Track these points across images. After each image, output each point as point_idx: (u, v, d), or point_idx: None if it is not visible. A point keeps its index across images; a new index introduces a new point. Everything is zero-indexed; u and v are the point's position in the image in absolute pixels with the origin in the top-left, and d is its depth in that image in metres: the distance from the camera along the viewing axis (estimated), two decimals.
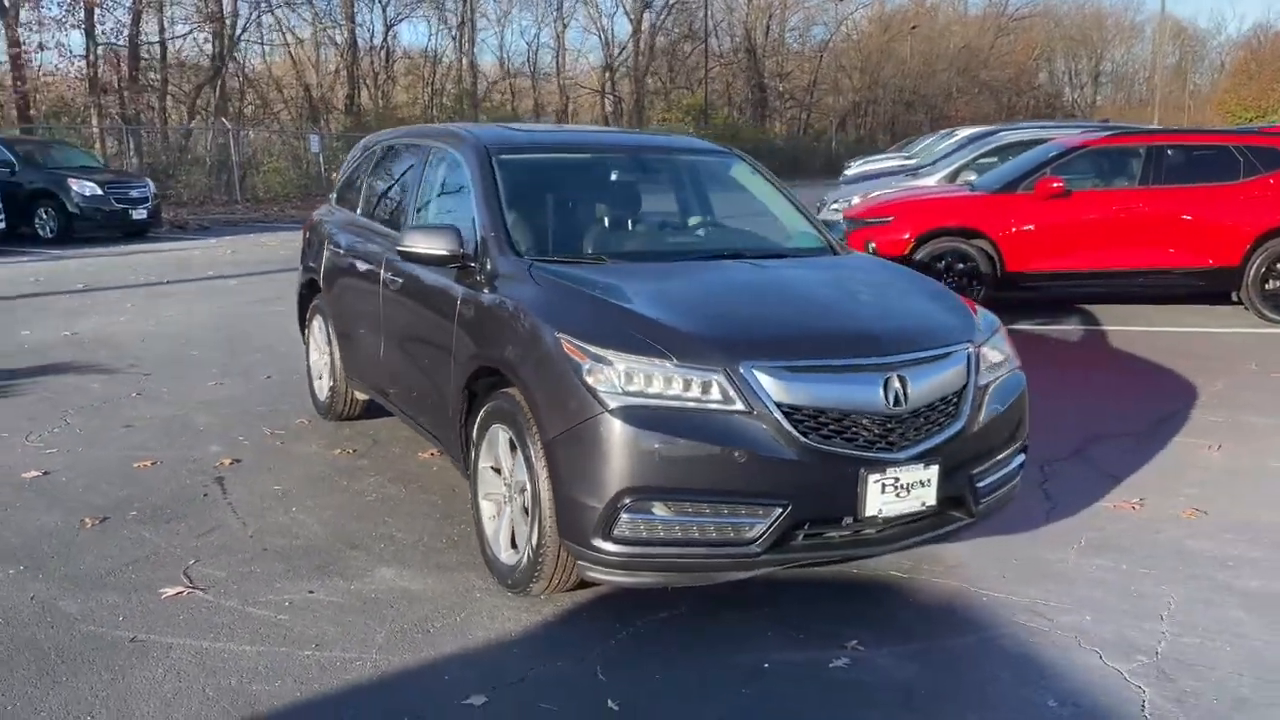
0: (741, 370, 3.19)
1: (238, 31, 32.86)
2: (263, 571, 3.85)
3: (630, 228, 4.66)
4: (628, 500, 3.15)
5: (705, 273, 4.11)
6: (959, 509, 3.55)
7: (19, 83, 25.47)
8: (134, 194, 17.14)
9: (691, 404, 3.17)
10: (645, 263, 4.18)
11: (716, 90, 51.57)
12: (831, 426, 3.23)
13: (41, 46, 26.29)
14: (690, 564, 3.25)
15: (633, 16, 48.35)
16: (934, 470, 3.34)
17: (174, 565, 3.89)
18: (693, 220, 4.84)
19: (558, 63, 48.20)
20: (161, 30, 31.28)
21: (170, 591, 3.66)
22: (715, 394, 3.18)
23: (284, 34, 36.44)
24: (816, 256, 4.54)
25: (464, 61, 42.09)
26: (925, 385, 3.39)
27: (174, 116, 31.55)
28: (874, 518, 3.29)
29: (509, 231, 4.09)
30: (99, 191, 16.52)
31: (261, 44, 35.50)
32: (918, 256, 9.63)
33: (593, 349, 3.27)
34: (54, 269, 13.24)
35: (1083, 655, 3.31)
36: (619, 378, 3.19)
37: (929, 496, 3.36)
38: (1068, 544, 4.20)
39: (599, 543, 3.20)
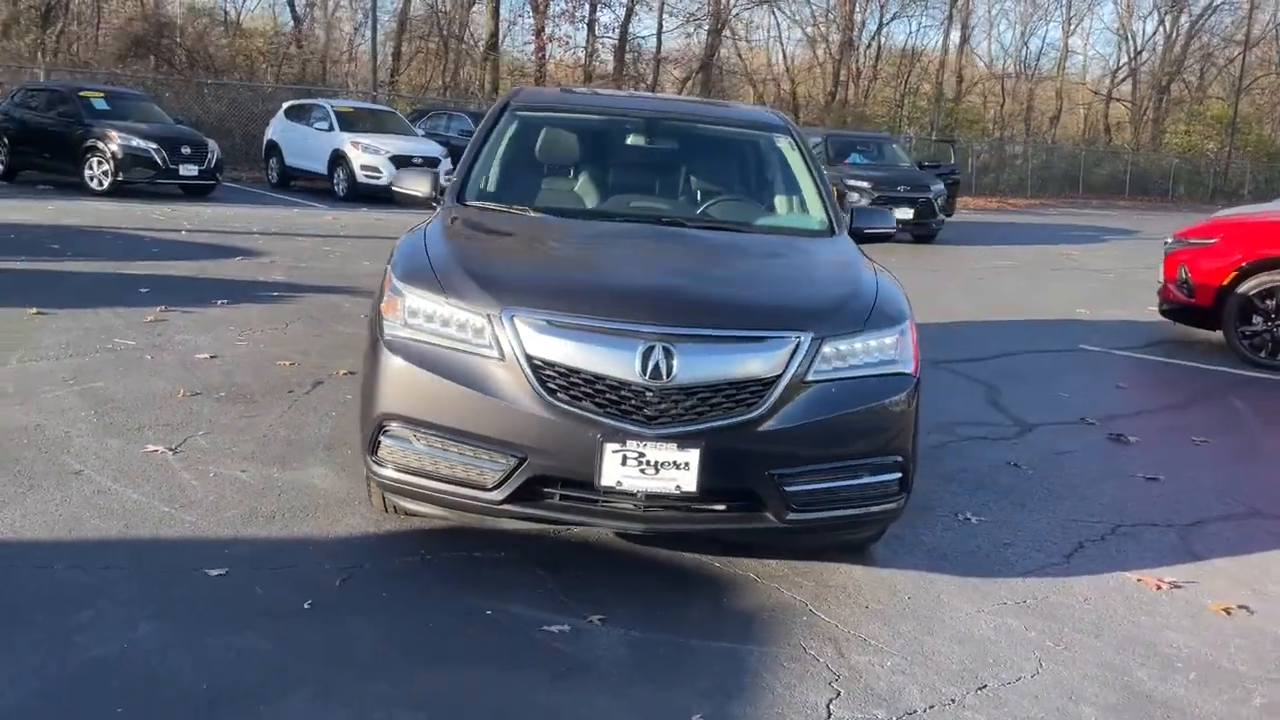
0: (503, 317, 3.23)
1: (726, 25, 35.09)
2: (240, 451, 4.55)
3: (603, 187, 4.65)
4: (387, 426, 3.35)
5: (606, 233, 4.13)
6: (762, 509, 3.26)
7: (540, 71, 29.63)
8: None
9: (459, 344, 3.28)
10: (571, 219, 4.24)
11: (1259, 104, 45.23)
12: (582, 388, 3.16)
13: (550, 38, 30.21)
14: (445, 500, 3.36)
15: (1164, 15, 43.82)
16: (693, 454, 3.11)
17: (183, 431, 4.73)
18: (684, 188, 4.75)
19: (1060, 64, 45.18)
20: (660, 26, 34.34)
21: (150, 448, 4.49)
22: (478, 337, 3.26)
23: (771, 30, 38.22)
24: (793, 236, 4.27)
25: (950, 59, 41.12)
26: (701, 364, 3.16)
27: None
28: (631, 493, 3.17)
29: (468, 178, 4.38)
30: None
31: (747, 40, 37.49)
32: (1241, 290, 8.11)
33: (396, 281, 3.50)
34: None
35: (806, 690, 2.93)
36: (404, 310, 3.39)
37: (686, 481, 3.13)
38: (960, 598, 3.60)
39: (370, 462, 3.44)
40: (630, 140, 4.78)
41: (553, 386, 3.16)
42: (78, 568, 3.34)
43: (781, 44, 39.20)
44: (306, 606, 3.20)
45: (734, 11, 35.47)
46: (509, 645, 3.07)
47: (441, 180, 4.44)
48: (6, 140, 16.14)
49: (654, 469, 3.13)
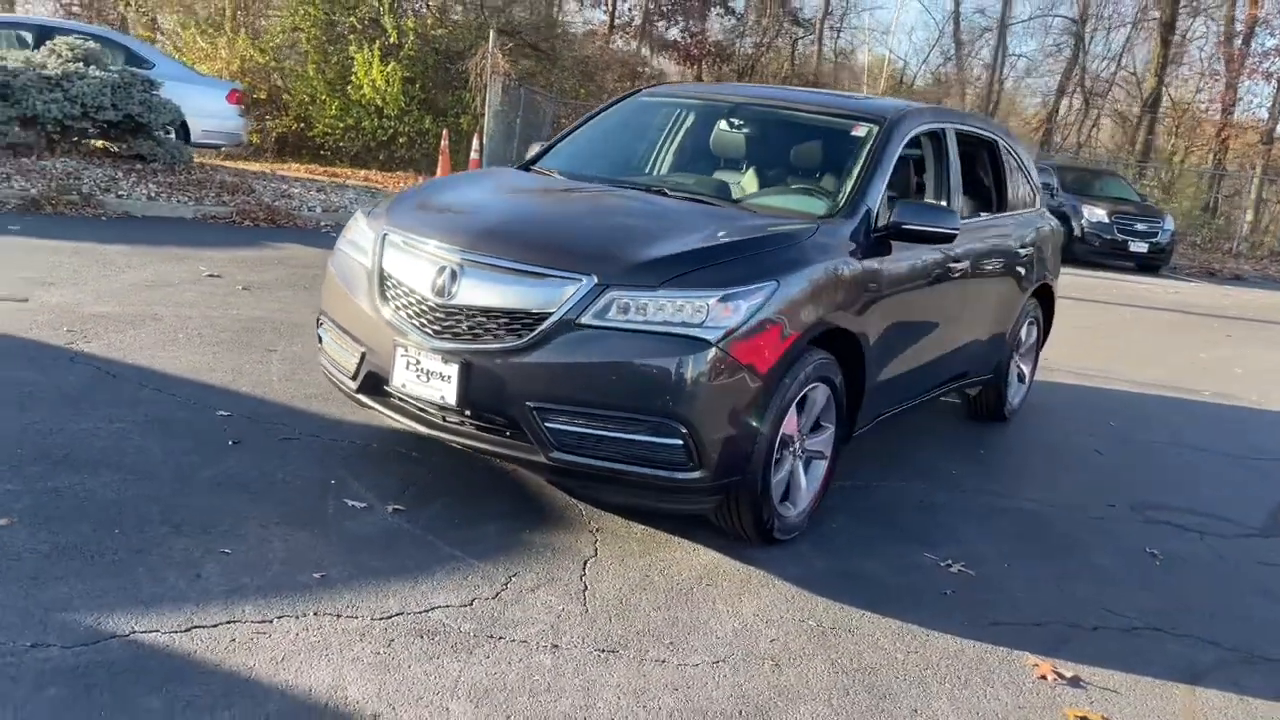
0: (380, 236, 3.81)
1: None
2: None
3: (649, 161, 4.83)
4: (320, 320, 4.11)
5: (571, 190, 4.47)
6: (525, 440, 3.41)
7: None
8: (1140, 227, 17.48)
9: (358, 258, 3.91)
10: (577, 181, 4.53)
11: None
12: (400, 299, 3.62)
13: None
14: (336, 385, 4.02)
15: None
16: (454, 369, 3.41)
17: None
18: (733, 167, 4.71)
19: None
20: None
21: None
22: (367, 254, 3.87)
23: None
24: (770, 216, 4.11)
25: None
26: (481, 289, 3.44)
27: None
28: (431, 400, 3.54)
29: (548, 149, 4.94)
30: (1104, 220, 17.38)
31: None
32: None
33: (359, 210, 4.23)
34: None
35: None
36: (348, 231, 4.12)
37: (448, 393, 3.44)
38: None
39: (318, 349, 4.22)
40: (718, 125, 4.90)
41: (387, 295, 3.66)
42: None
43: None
44: (230, 444, 4.09)
45: None
46: (316, 504, 3.63)
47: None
48: None
49: (425, 377, 3.49)
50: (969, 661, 3.16)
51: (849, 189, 4.23)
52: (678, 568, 3.54)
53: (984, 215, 5.42)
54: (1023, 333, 5.95)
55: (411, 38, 18.75)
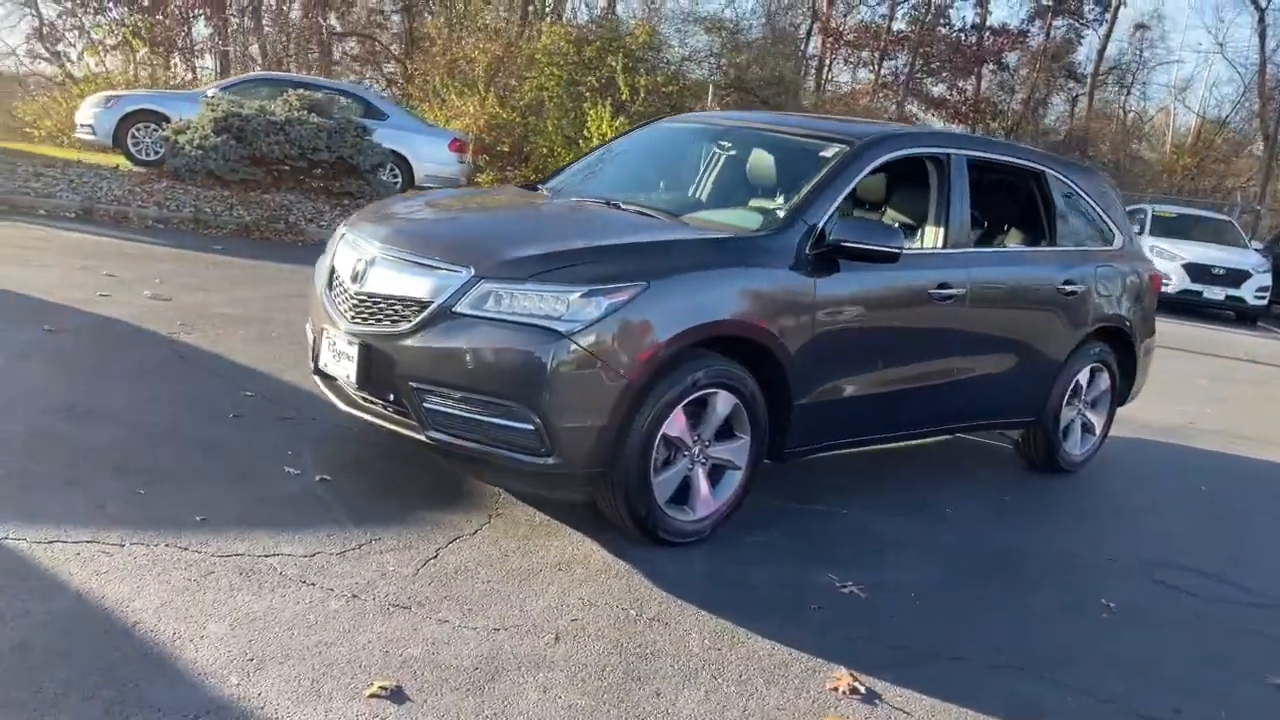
0: (343, 234, 4.26)
1: None
2: None
3: (644, 180, 5.01)
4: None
5: (538, 203, 4.74)
6: (409, 419, 3.71)
7: None
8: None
9: (327, 254, 4.37)
10: (559, 197, 4.77)
11: None
12: (338, 288, 4.04)
13: None
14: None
15: None
16: (355, 350, 3.77)
17: None
18: (705, 186, 4.81)
19: None
20: None
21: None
22: (330, 248, 4.33)
23: None
24: (709, 228, 4.19)
25: None
26: (384, 279, 3.79)
27: None
28: (334, 375, 3.94)
29: (562, 170, 5.26)
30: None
31: None
32: None
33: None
34: None
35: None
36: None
37: (351, 372, 3.81)
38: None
39: None
40: (707, 147, 5.02)
41: (331, 284, 4.09)
42: None
43: None
44: (231, 417, 4.65)
45: None
46: (256, 468, 4.09)
47: None
48: None
49: (338, 357, 3.87)
50: (765, 664, 3.09)
51: (792, 205, 4.23)
52: (545, 553, 3.68)
53: (1012, 246, 5.15)
54: (1081, 378, 5.54)
55: (643, 94, 19.70)
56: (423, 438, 3.67)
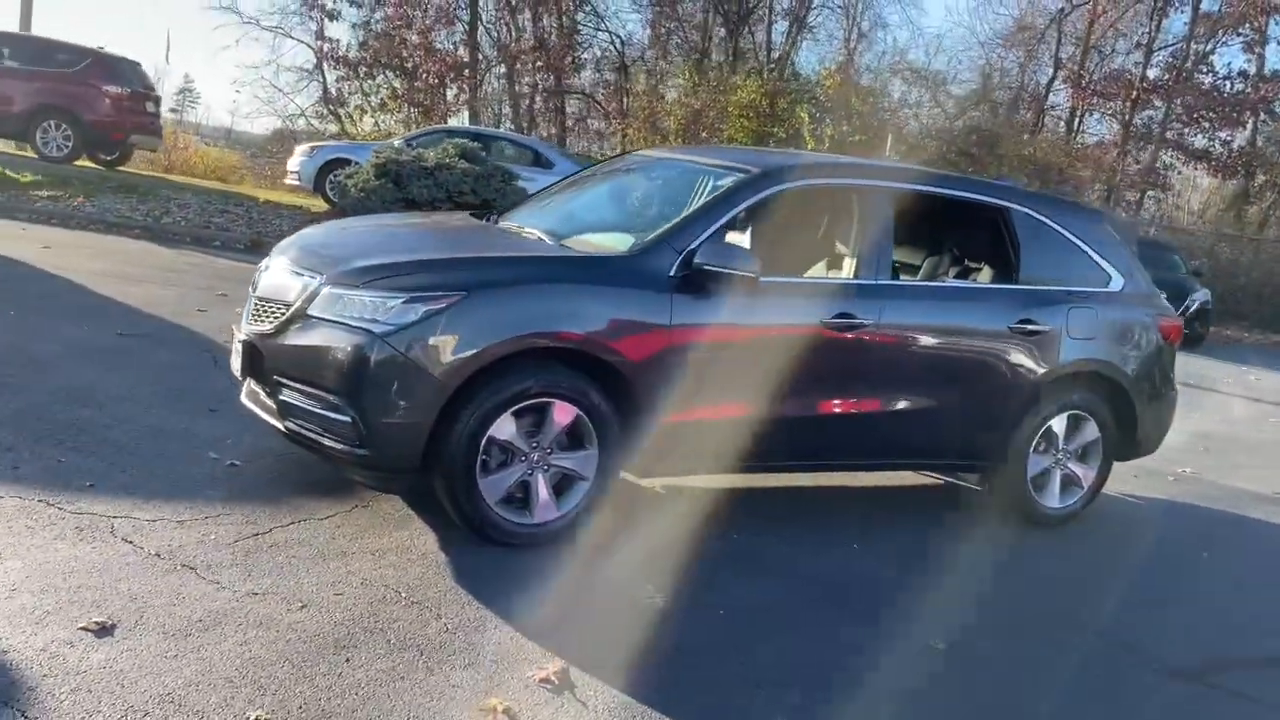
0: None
1: None
2: None
3: (564, 208, 5.18)
4: None
5: (435, 224, 5.27)
6: (273, 410, 4.13)
7: None
8: None
9: None
10: (506, 232, 5.05)
11: None
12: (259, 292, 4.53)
13: None
14: None
15: None
16: (240, 347, 4.24)
17: None
18: (622, 213, 4.94)
19: None
20: None
21: None
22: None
23: None
24: (582, 250, 4.39)
25: None
26: (269, 285, 4.24)
27: None
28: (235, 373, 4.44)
29: (524, 205, 5.63)
30: None
31: None
32: None
33: None
34: None
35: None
36: None
37: (238, 367, 4.27)
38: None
39: None
40: (638, 178, 5.20)
41: (255, 286, 4.60)
42: None
43: None
44: (208, 410, 5.26)
45: None
46: (183, 450, 4.64)
47: None
48: None
49: (235, 354, 4.35)
50: (485, 650, 3.22)
51: (664, 230, 4.34)
52: (374, 540, 3.94)
53: (953, 281, 4.96)
54: (1055, 425, 5.19)
55: (828, 145, 19.72)
56: (281, 427, 4.07)
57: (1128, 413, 5.39)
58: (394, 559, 3.82)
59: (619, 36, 29.72)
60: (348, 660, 3.07)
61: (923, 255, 5.48)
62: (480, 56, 30.13)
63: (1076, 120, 35.04)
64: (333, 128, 29.40)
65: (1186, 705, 3.69)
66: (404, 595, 3.54)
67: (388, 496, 4.39)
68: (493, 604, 3.56)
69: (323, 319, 3.92)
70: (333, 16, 29.74)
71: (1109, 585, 4.75)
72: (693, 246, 4.22)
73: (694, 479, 5.06)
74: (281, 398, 4.02)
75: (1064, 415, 5.20)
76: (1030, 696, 3.57)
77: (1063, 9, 33.24)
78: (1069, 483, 5.35)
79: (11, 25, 19.28)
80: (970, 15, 62.34)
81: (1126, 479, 6.55)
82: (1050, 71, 34.29)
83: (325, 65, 29.88)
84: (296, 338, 3.97)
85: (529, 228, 4.79)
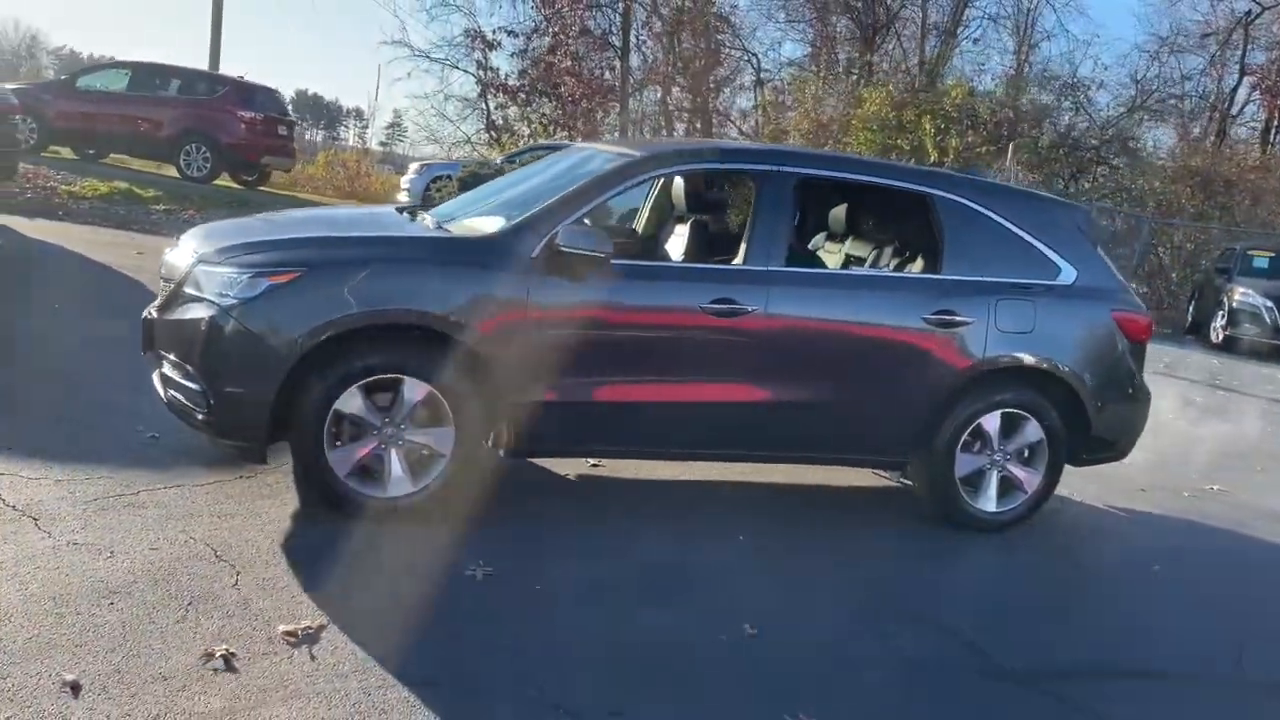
0: None
1: None
2: None
3: (489, 195, 5.25)
4: None
5: (336, 214, 5.71)
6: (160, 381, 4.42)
7: None
8: None
9: None
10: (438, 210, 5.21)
11: None
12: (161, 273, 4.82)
13: None
14: None
15: None
16: (143, 324, 4.55)
17: None
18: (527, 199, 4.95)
19: None
20: None
21: None
22: None
23: None
24: (429, 234, 4.58)
25: None
26: (167, 264, 4.52)
27: None
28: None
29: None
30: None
31: None
32: None
33: None
34: None
35: None
36: None
37: (142, 343, 4.58)
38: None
39: None
40: (548, 167, 5.30)
41: None
42: None
43: None
44: None
45: None
46: (123, 428, 4.99)
47: None
48: None
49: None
50: (235, 603, 3.34)
51: (531, 213, 4.38)
52: (234, 505, 4.14)
53: (857, 270, 4.77)
54: (987, 424, 4.87)
55: (952, 156, 19.07)
56: (164, 397, 4.34)
57: (1079, 413, 5.02)
58: (237, 524, 4.00)
59: (754, 54, 29.80)
60: (110, 604, 3.24)
61: (856, 245, 5.29)
62: (630, 79, 30.77)
63: (1272, 132, 32.47)
64: (495, 154, 30.66)
65: (996, 706, 3.44)
66: (217, 554, 3.70)
67: (277, 469, 4.58)
68: (301, 569, 3.68)
69: (190, 294, 4.16)
70: (492, 46, 31.06)
71: (1003, 592, 4.45)
72: (555, 230, 4.25)
73: (622, 469, 5.07)
74: (163, 370, 4.29)
75: (996, 413, 4.89)
76: (817, 680, 3.39)
77: (1250, 11, 30.95)
78: (1009, 486, 5.02)
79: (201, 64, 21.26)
80: (1140, 21, 58.92)
81: (1134, 495, 6.09)
82: (1236, 78, 31.96)
83: (489, 94, 31.19)
84: (173, 312, 4.23)
85: (432, 215, 4.93)
